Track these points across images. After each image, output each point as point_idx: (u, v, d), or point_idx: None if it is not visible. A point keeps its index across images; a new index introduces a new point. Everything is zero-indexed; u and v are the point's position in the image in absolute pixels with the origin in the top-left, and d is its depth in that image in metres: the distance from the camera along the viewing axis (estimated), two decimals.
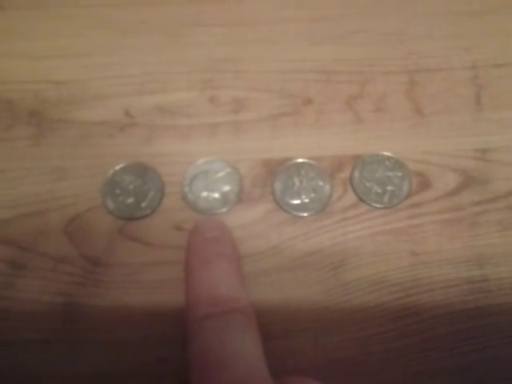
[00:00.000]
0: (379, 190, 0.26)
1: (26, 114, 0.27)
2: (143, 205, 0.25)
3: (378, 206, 0.26)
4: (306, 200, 0.26)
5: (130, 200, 0.25)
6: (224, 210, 0.25)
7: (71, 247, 0.25)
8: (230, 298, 0.20)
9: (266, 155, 0.27)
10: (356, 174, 0.26)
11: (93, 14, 0.29)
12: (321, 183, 0.26)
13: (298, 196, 0.26)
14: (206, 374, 0.18)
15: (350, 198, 0.26)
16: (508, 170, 0.26)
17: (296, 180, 0.26)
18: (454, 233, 0.25)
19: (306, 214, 0.25)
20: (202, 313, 0.20)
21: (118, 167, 0.26)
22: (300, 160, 0.26)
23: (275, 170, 0.26)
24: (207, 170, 0.26)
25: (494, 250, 0.25)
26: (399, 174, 0.26)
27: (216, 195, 0.26)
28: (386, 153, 0.26)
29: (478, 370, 0.24)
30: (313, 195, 0.26)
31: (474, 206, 0.26)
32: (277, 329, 0.24)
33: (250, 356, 0.18)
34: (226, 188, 0.26)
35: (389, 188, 0.26)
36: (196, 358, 0.19)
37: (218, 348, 0.18)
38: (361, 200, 0.26)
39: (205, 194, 0.26)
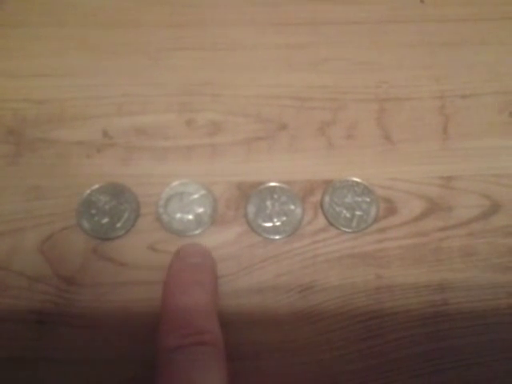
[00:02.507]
0: (348, 215, 0.27)
1: (4, 133, 0.27)
2: (118, 225, 0.26)
3: (347, 230, 0.27)
4: (278, 223, 0.27)
5: (105, 220, 0.26)
6: (198, 231, 0.26)
7: (46, 266, 0.25)
8: (200, 330, 0.21)
9: (240, 178, 0.27)
10: (326, 198, 0.27)
11: (74, 34, 0.29)
12: (292, 207, 0.27)
13: (270, 219, 0.27)
14: None
15: (320, 221, 0.27)
16: (471, 198, 0.27)
17: (268, 203, 0.27)
18: (418, 257, 0.26)
19: (277, 237, 0.26)
20: (172, 343, 0.20)
21: (94, 187, 0.26)
22: (273, 184, 0.27)
23: (248, 192, 0.27)
24: (182, 192, 0.27)
25: (455, 275, 0.26)
26: (367, 199, 0.27)
27: (190, 217, 0.26)
28: (355, 178, 0.27)
29: None
30: (284, 218, 0.27)
31: (437, 231, 0.27)
32: (245, 349, 0.25)
33: None
34: (200, 210, 0.27)
35: (357, 213, 0.27)
36: None
37: (184, 383, 0.19)
38: (330, 224, 0.27)
39: (179, 215, 0.26)
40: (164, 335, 0.21)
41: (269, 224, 0.27)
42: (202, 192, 0.27)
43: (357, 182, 0.27)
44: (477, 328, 0.25)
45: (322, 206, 0.27)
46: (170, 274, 0.24)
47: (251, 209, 0.27)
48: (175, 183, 0.27)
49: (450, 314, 0.25)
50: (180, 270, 0.24)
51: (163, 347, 0.20)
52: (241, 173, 0.27)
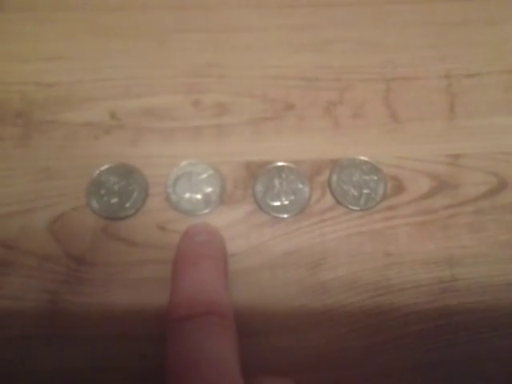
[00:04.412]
0: (356, 193, 0.27)
1: (12, 115, 0.27)
2: (127, 205, 0.26)
3: (355, 208, 0.27)
4: (286, 202, 0.27)
5: (115, 200, 0.26)
6: (206, 211, 0.26)
7: (56, 246, 0.25)
8: (210, 301, 0.21)
9: (248, 158, 0.27)
10: (334, 177, 0.27)
11: (81, 17, 0.30)
12: (300, 186, 0.27)
13: (279, 198, 0.27)
14: (179, 377, 0.19)
15: (328, 200, 0.27)
16: (478, 176, 0.27)
17: (276, 182, 0.27)
18: (426, 235, 0.26)
19: (285, 216, 0.26)
20: (182, 313, 0.20)
21: (103, 168, 0.27)
22: (280, 163, 0.27)
23: (256, 172, 0.27)
24: (190, 172, 0.27)
25: (464, 251, 0.26)
26: (375, 177, 0.27)
27: (199, 196, 0.27)
28: (362, 157, 0.28)
29: (449, 365, 0.25)
30: (292, 197, 0.27)
31: (445, 209, 0.27)
32: (256, 326, 0.25)
33: (223, 360, 0.19)
34: (209, 189, 0.27)
35: (365, 191, 0.27)
36: (172, 360, 0.19)
37: (194, 351, 0.19)
38: (338, 202, 0.27)
39: (188, 195, 0.26)
40: (174, 306, 0.21)
41: (277, 203, 0.27)
42: (210, 172, 0.27)
43: (364, 161, 0.27)
44: (485, 303, 0.25)
45: (329, 184, 0.27)
46: (179, 251, 0.24)
47: (259, 188, 0.27)
48: (183, 163, 0.27)
49: (459, 290, 0.26)
50: (189, 246, 0.24)
51: (173, 317, 0.21)
52: (248, 153, 0.28)
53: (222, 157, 0.27)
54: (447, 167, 0.28)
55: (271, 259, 0.26)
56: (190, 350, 0.19)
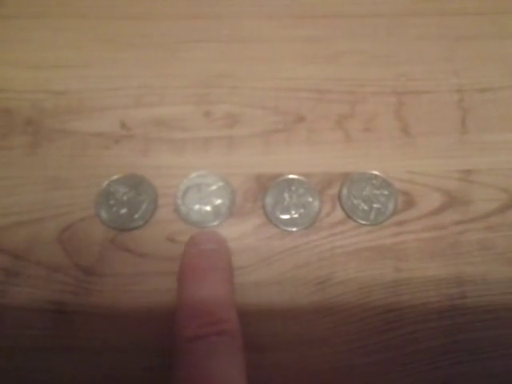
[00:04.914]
0: (366, 208, 0.27)
1: (22, 123, 0.27)
2: (136, 216, 0.26)
3: (365, 222, 0.27)
4: (296, 215, 0.27)
5: (124, 211, 0.26)
6: (216, 223, 0.26)
7: (64, 256, 0.25)
8: (220, 319, 0.21)
9: (258, 170, 0.27)
10: (344, 191, 0.27)
11: (93, 26, 0.30)
12: (310, 199, 0.27)
13: (288, 211, 0.27)
14: None
15: (338, 214, 0.27)
16: (489, 192, 0.27)
17: (286, 195, 0.27)
18: (436, 251, 0.26)
19: (295, 229, 0.26)
20: (190, 332, 0.20)
21: (112, 178, 0.26)
22: (291, 176, 0.27)
23: (266, 185, 0.27)
24: (200, 183, 0.27)
25: (474, 268, 0.26)
26: (385, 192, 0.27)
27: (208, 208, 0.26)
28: (373, 171, 0.27)
29: (457, 383, 0.25)
30: (302, 211, 0.27)
31: (455, 225, 0.27)
32: (264, 341, 0.25)
33: (234, 381, 0.19)
34: (218, 201, 0.27)
35: (375, 206, 0.27)
36: (182, 380, 0.19)
37: (205, 371, 0.19)
38: (348, 216, 0.27)
39: (197, 206, 0.26)
40: (182, 324, 0.21)
41: (286, 216, 0.26)
42: (220, 184, 0.27)
43: (375, 175, 0.27)
44: (495, 321, 0.25)
45: (339, 198, 0.27)
46: (186, 262, 0.24)
47: (269, 201, 0.27)
48: (193, 174, 0.27)
49: (468, 308, 0.25)
50: (196, 256, 0.24)
51: (181, 337, 0.20)
52: (259, 165, 0.27)
53: (232, 168, 0.27)
54: (458, 183, 0.27)
55: (280, 273, 0.26)
56: (201, 370, 0.19)
